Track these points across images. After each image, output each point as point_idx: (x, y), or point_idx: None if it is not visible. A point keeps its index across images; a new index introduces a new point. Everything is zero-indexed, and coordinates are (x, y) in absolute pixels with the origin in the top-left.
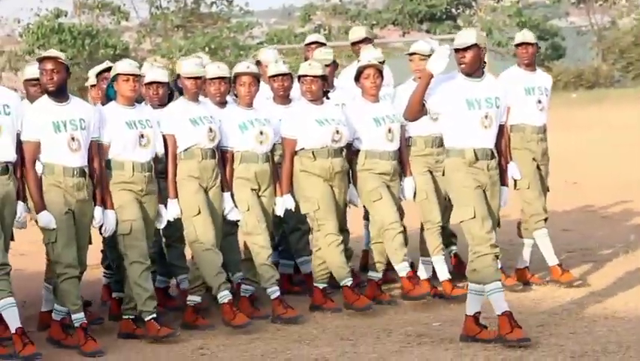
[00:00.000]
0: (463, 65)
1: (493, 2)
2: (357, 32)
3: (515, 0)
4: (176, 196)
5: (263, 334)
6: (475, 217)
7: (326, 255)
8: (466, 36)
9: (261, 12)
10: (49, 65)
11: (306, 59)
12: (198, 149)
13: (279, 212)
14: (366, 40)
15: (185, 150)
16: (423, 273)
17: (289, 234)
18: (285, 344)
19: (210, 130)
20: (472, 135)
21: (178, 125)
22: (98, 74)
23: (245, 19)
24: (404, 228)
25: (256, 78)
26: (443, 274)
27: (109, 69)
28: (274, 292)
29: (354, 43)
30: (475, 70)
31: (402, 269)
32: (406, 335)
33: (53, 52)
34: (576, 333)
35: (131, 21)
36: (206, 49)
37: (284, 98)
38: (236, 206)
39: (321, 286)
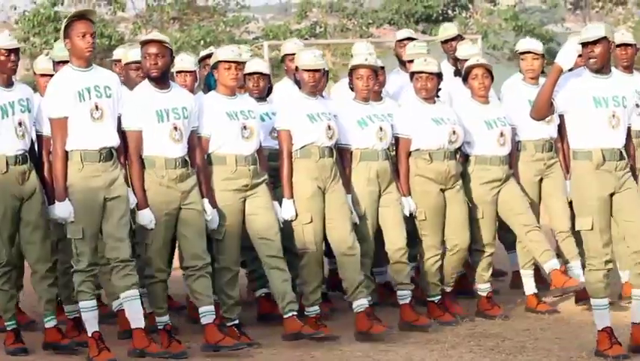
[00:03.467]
0: (592, 60)
1: (489, 5)
2: (450, 30)
3: (512, 4)
4: (292, 196)
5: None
6: (592, 230)
7: (424, 268)
8: (595, 29)
9: (258, 7)
10: (153, 49)
11: (397, 56)
12: (315, 147)
13: (406, 212)
14: (458, 38)
15: (302, 147)
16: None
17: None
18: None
19: (329, 127)
20: (599, 135)
21: (294, 120)
22: (200, 60)
23: (241, 14)
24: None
25: (374, 71)
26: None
27: (210, 56)
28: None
29: (445, 42)
30: (604, 65)
31: (483, 290)
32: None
33: (158, 35)
34: (562, 338)
35: (128, 12)
36: (202, 42)
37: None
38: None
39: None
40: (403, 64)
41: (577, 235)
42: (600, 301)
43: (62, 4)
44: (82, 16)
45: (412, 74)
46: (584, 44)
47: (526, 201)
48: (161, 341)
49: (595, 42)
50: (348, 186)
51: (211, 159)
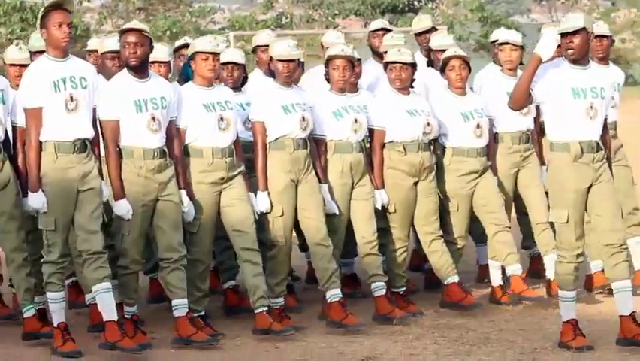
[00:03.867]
0: (570, 51)
1: None
2: (424, 22)
3: None
4: (267, 188)
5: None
6: (567, 222)
7: (390, 259)
8: (574, 19)
9: None
10: (132, 38)
11: (371, 47)
12: (289, 139)
13: (378, 205)
14: (432, 30)
15: (276, 139)
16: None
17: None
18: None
19: (303, 119)
20: (577, 127)
21: (269, 111)
22: (175, 51)
23: (207, 4)
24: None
25: (351, 62)
26: (496, 279)
27: (186, 46)
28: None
29: (419, 34)
30: (582, 56)
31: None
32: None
33: (137, 24)
34: (526, 330)
35: (93, 2)
36: (168, 32)
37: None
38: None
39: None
40: (376, 54)
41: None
42: (568, 293)
43: None
44: (58, 5)
45: (386, 65)
46: (563, 35)
47: (501, 199)
48: (127, 330)
49: (574, 32)
50: (324, 176)
51: (188, 150)
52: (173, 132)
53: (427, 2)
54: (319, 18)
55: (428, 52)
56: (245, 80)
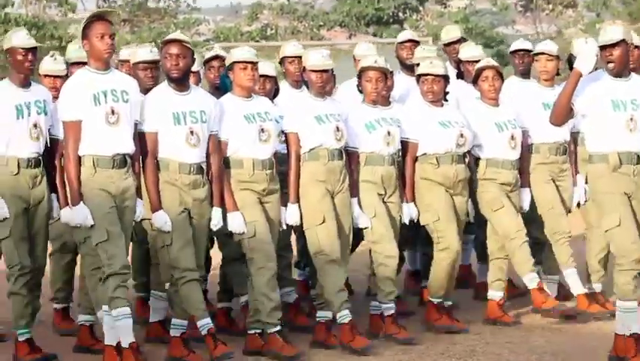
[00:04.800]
0: (611, 64)
1: (440, 8)
2: (453, 32)
3: (462, 6)
4: (297, 201)
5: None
6: (620, 225)
7: (435, 268)
8: (613, 32)
9: (209, 9)
10: (174, 49)
11: (399, 59)
12: (324, 149)
13: (406, 220)
14: (461, 40)
15: (310, 150)
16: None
17: None
18: None
19: (337, 129)
20: (617, 139)
21: (302, 122)
22: (205, 63)
23: (192, 16)
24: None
25: (384, 74)
26: (577, 287)
27: (217, 57)
28: (389, 309)
29: (448, 44)
30: (623, 68)
31: (531, 280)
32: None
33: (180, 35)
34: (512, 342)
35: (78, 13)
36: (153, 44)
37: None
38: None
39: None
40: (405, 66)
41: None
42: (629, 303)
43: (12, 5)
44: (101, 16)
45: (419, 77)
46: (602, 47)
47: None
48: (207, 346)
49: (613, 45)
50: (355, 190)
51: (228, 162)
52: (214, 147)
53: (412, 14)
54: (304, 30)
55: (458, 63)
56: (276, 92)
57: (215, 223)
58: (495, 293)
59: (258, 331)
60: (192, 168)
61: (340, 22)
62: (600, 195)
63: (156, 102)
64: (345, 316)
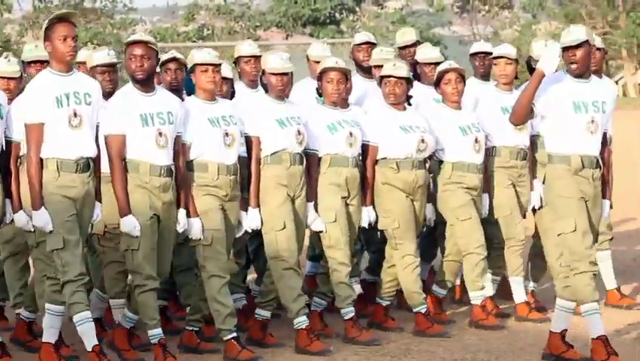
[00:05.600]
0: (574, 65)
1: (376, 9)
2: (408, 35)
3: (399, 7)
4: (258, 205)
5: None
6: (575, 231)
7: (401, 277)
8: (577, 32)
9: (145, 9)
10: (139, 51)
11: (355, 61)
12: (287, 153)
13: (365, 224)
14: (416, 44)
15: (272, 154)
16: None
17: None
18: None
19: (299, 133)
20: (578, 141)
21: (264, 126)
22: (162, 65)
23: (128, 16)
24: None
25: (345, 75)
26: (520, 296)
27: (173, 60)
28: (348, 313)
29: (403, 47)
30: (585, 70)
31: (477, 297)
32: None
33: (144, 36)
34: (446, 340)
35: (14, 14)
36: (89, 44)
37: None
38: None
39: (384, 303)
40: (361, 68)
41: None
42: (590, 305)
43: None
44: (63, 18)
45: (381, 79)
46: (565, 48)
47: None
48: (156, 356)
49: (576, 46)
50: (313, 194)
51: (192, 165)
52: (179, 148)
53: (349, 15)
54: (241, 30)
55: (413, 66)
56: (233, 94)
57: (182, 226)
58: (439, 290)
59: (196, 329)
60: (162, 171)
61: (277, 22)
62: (557, 198)
63: (122, 104)
64: (302, 322)
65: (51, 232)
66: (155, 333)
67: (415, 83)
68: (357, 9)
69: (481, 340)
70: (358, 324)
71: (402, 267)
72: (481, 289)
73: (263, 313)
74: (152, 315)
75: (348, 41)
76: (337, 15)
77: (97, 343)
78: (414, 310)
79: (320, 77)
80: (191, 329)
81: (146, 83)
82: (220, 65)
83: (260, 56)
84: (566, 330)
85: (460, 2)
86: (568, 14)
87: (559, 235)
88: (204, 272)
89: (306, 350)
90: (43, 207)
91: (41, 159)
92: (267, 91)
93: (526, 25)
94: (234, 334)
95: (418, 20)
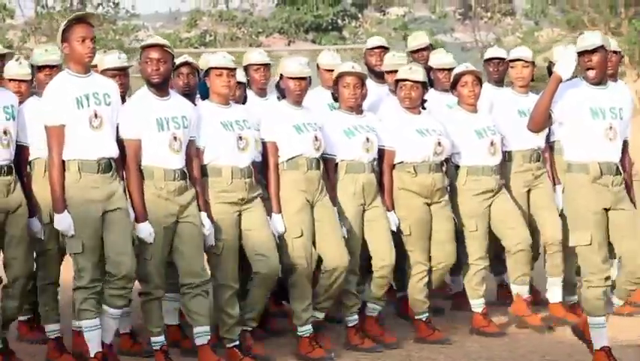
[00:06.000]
0: (591, 71)
1: (379, 15)
2: (421, 39)
3: (401, 14)
4: (280, 211)
5: None
6: (591, 244)
7: (410, 284)
8: (592, 38)
9: (148, 15)
10: (155, 54)
11: (367, 66)
12: (303, 158)
13: (393, 228)
14: (429, 47)
15: (289, 159)
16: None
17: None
18: None
19: (316, 138)
20: (596, 148)
21: (281, 131)
22: (175, 69)
23: (131, 22)
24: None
25: (361, 80)
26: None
27: (186, 64)
28: (352, 320)
29: (415, 51)
30: (602, 75)
31: (477, 305)
32: None
33: (160, 39)
34: (447, 347)
35: (16, 19)
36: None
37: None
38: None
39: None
40: (374, 73)
41: (565, 250)
42: (598, 319)
43: None
44: (81, 19)
45: (396, 83)
46: (581, 53)
47: (520, 215)
48: None
49: (592, 51)
50: (334, 199)
51: (206, 170)
52: (193, 152)
53: (351, 21)
54: (243, 36)
55: (428, 71)
56: (246, 99)
57: (208, 228)
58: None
59: (236, 344)
60: (177, 174)
61: (279, 28)
62: (575, 209)
63: (138, 108)
64: (307, 330)
65: (72, 235)
66: (158, 340)
67: (430, 89)
68: (360, 15)
69: (483, 347)
70: (360, 332)
71: (411, 276)
72: (479, 298)
73: (316, 314)
74: (156, 323)
75: (350, 47)
76: (340, 21)
77: (100, 350)
78: (415, 317)
79: (336, 82)
80: (232, 346)
81: (161, 87)
82: (235, 69)
83: (269, 64)
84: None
85: (462, 9)
86: (570, 21)
87: (575, 246)
88: (214, 280)
89: (308, 357)
90: (66, 210)
91: (63, 162)
92: (284, 96)
93: (528, 32)
94: (237, 342)
95: (420, 27)
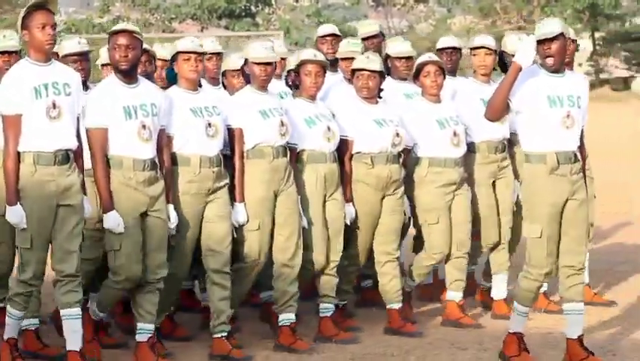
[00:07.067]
0: (549, 58)
1: (292, 1)
2: (371, 26)
3: (314, 0)
4: (244, 200)
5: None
6: (540, 238)
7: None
8: (551, 25)
9: (61, 1)
10: (123, 40)
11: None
12: (269, 147)
13: (348, 221)
14: (379, 35)
15: (254, 147)
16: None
17: None
18: None
19: (282, 123)
20: (553, 136)
21: (247, 117)
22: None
23: None
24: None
25: (323, 68)
26: (500, 293)
27: (144, 51)
28: (327, 310)
29: (366, 38)
30: (561, 63)
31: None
32: None
33: (129, 25)
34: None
35: None
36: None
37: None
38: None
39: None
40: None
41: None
42: (523, 308)
43: None
44: (41, 5)
45: (353, 72)
46: (540, 41)
47: (467, 222)
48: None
49: (552, 39)
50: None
51: (175, 159)
52: (164, 142)
53: (264, 7)
54: (156, 22)
55: (385, 59)
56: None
57: (173, 222)
58: (455, 294)
59: (224, 334)
60: (146, 164)
61: (192, 14)
62: (530, 200)
63: (105, 96)
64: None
65: (24, 228)
66: (102, 315)
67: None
68: (273, 2)
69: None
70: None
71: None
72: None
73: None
74: (109, 307)
75: (263, 34)
76: (253, 8)
77: (12, 336)
78: (387, 306)
79: (296, 70)
80: (219, 336)
81: (129, 74)
82: (204, 53)
83: (221, 53)
84: (582, 335)
85: None
86: (483, 8)
87: (523, 235)
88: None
89: (290, 347)
90: (18, 203)
91: (18, 153)
92: (248, 82)
93: (441, 19)
94: (225, 333)
95: (333, 13)
